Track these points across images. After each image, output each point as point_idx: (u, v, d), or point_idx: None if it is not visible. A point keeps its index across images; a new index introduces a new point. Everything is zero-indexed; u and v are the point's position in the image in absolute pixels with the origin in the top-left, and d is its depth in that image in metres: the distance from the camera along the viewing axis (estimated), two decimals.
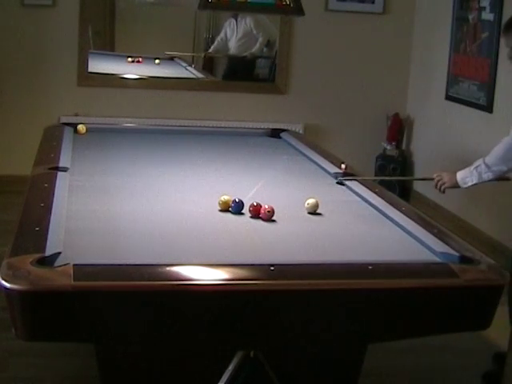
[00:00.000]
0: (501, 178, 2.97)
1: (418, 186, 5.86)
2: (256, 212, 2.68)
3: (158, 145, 4.00)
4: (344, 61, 5.98)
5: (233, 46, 6.10)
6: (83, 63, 5.64)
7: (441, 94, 5.54)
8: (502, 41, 3.17)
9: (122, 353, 2.13)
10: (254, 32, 6.06)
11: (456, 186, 2.94)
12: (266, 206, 2.67)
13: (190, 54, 6.07)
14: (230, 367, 2.14)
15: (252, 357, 2.13)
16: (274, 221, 2.66)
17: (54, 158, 3.33)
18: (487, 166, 2.89)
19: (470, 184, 2.92)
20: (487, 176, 2.90)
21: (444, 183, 2.93)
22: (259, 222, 2.65)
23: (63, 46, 5.59)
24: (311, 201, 2.80)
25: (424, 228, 2.61)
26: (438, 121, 5.66)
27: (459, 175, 2.94)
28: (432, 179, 2.94)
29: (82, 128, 4.11)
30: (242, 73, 6.19)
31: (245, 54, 6.13)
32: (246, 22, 6.02)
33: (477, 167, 2.92)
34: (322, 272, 2.13)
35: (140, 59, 6.01)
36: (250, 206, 2.70)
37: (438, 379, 3.22)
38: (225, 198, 2.75)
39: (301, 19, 5.27)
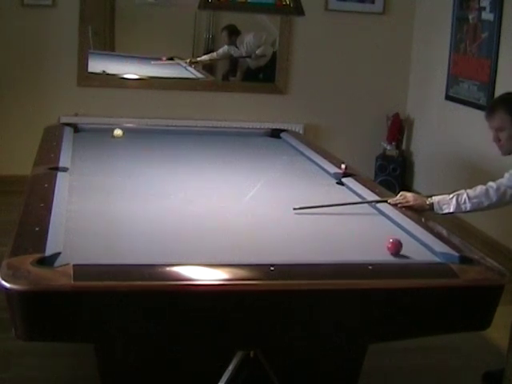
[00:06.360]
0: (476, 210, 3.02)
1: (419, 186, 5.85)
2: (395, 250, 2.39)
3: (158, 145, 4.00)
4: (344, 61, 5.97)
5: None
6: (83, 63, 5.63)
7: (441, 94, 5.53)
8: (487, 123, 3.05)
9: (121, 353, 2.14)
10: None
11: (424, 208, 2.93)
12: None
13: (181, 60, 6.03)
14: (230, 367, 2.14)
15: (252, 357, 2.13)
16: (273, 221, 2.66)
17: (53, 157, 3.33)
18: (468, 196, 2.95)
19: (446, 211, 2.96)
20: (465, 207, 2.96)
21: (408, 202, 2.92)
22: (259, 222, 2.65)
23: (63, 46, 5.58)
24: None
25: (424, 228, 2.62)
26: (438, 121, 5.65)
27: (437, 199, 2.96)
28: (385, 201, 2.93)
29: (119, 132, 4.02)
30: (264, 73, 6.15)
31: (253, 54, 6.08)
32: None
33: (458, 196, 2.94)
34: (322, 272, 2.13)
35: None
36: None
37: (438, 379, 3.21)
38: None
39: (301, 19, 5.26)
